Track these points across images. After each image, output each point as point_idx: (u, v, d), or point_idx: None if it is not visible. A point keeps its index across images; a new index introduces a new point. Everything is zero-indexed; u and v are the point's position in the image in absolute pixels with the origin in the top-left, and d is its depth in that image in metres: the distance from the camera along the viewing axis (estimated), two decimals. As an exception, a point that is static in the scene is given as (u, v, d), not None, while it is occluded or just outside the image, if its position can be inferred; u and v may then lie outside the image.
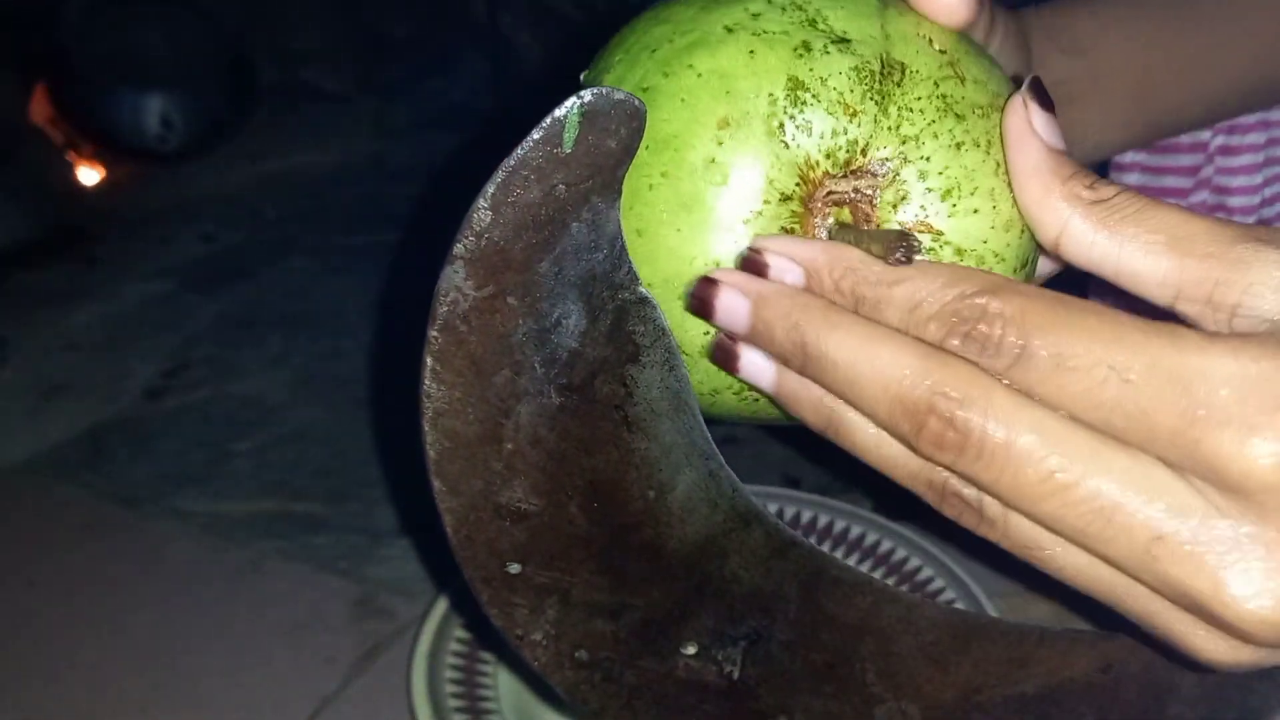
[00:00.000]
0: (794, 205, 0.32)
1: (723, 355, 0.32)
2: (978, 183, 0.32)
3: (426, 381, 0.31)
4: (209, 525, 0.73)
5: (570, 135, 0.30)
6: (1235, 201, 0.59)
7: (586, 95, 0.29)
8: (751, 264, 0.31)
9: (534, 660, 0.36)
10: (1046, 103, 0.31)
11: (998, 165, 0.32)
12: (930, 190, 0.32)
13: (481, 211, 0.30)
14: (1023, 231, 0.33)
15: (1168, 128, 0.55)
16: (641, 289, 0.32)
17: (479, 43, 1.38)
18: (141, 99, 1.19)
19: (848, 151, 0.32)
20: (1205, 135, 0.57)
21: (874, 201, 0.32)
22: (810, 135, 0.32)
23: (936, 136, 0.32)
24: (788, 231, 0.32)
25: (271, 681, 0.61)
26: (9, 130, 1.14)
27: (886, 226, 0.32)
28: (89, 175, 1.21)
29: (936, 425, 0.26)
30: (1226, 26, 0.51)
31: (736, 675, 0.37)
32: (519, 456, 0.33)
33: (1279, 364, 0.24)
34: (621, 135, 0.30)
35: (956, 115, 0.32)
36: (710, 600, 0.36)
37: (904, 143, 0.32)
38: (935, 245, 0.32)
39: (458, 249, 0.30)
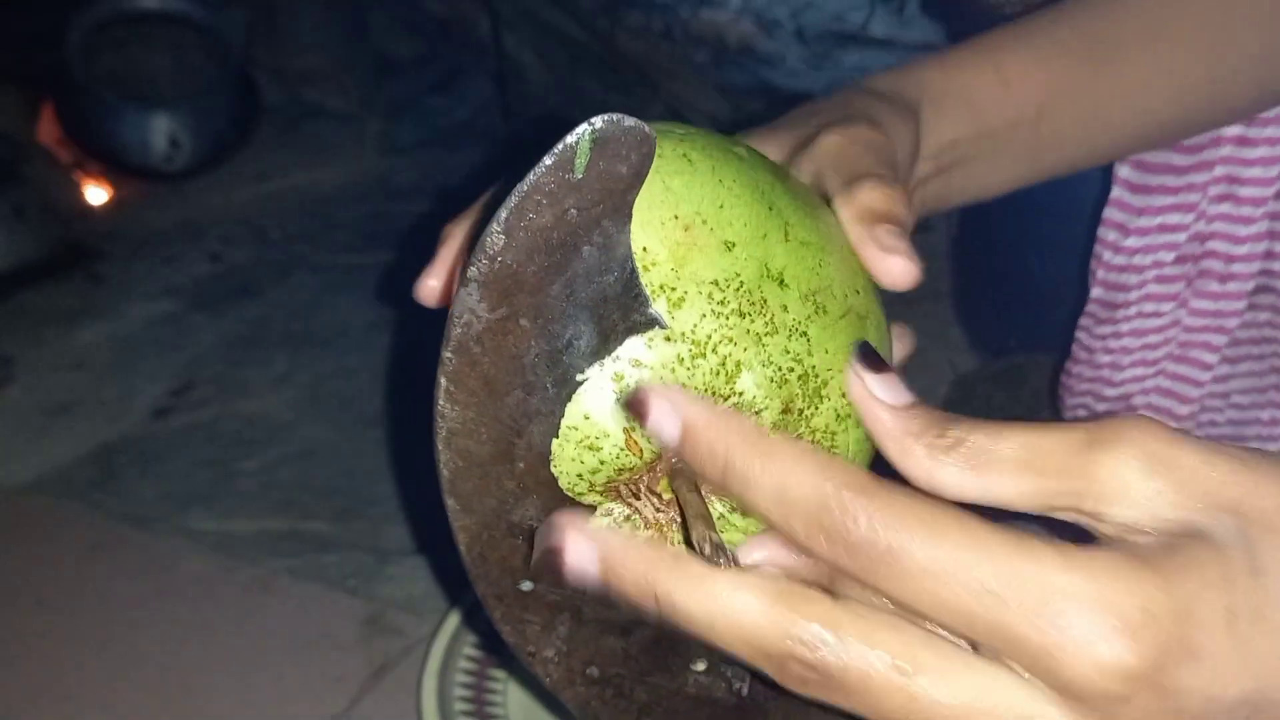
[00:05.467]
0: (633, 524, 0.35)
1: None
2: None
3: (440, 402, 0.32)
4: (218, 544, 0.73)
5: (582, 161, 0.30)
6: (1246, 192, 0.58)
7: (598, 122, 0.30)
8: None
9: (546, 677, 0.36)
10: (878, 365, 0.32)
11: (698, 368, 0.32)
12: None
13: (495, 235, 0.30)
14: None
15: (1064, 172, 0.55)
16: (652, 311, 0.33)
17: (484, 62, 1.39)
18: (148, 118, 1.20)
19: (608, 467, 0.33)
20: None
21: (655, 470, 0.34)
22: (582, 475, 0.34)
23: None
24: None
25: (281, 700, 0.61)
26: (16, 149, 1.15)
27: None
28: (95, 194, 1.21)
29: (797, 669, 0.27)
30: (1143, 70, 0.50)
31: (746, 692, 0.37)
32: (531, 475, 0.33)
33: (1126, 585, 0.25)
34: (632, 160, 0.31)
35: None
36: (720, 617, 0.36)
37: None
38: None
39: (471, 272, 0.31)
